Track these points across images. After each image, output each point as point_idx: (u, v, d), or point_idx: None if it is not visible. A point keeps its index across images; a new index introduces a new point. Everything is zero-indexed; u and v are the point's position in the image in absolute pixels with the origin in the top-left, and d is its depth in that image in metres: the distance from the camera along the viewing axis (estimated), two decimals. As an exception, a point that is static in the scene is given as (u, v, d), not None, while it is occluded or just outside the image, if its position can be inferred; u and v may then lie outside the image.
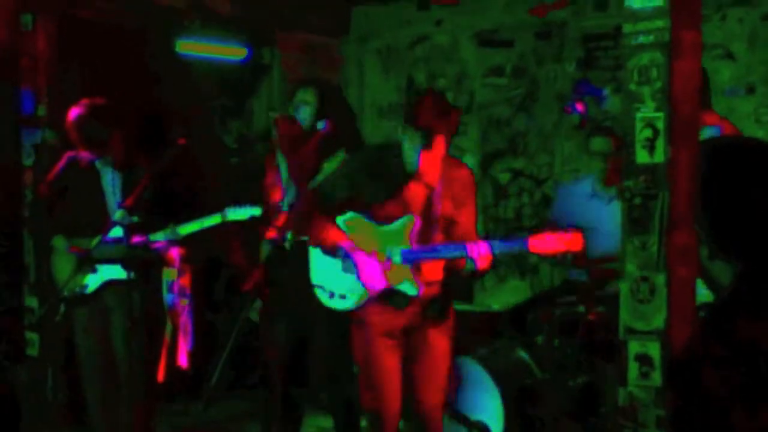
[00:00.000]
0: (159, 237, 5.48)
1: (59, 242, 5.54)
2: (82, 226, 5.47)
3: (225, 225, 5.54)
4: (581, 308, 5.72)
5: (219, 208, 5.56)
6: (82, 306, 5.58)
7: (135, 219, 5.23)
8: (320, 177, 5.25)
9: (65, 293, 5.45)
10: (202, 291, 6.25)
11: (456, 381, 5.45)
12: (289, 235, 5.22)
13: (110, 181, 5.59)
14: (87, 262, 5.34)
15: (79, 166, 5.61)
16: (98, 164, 5.60)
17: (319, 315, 5.15)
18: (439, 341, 4.78)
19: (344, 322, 4.84)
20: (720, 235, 2.29)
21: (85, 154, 5.60)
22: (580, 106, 7.22)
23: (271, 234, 5.02)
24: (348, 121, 5.49)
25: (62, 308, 5.52)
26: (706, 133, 4.51)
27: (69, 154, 5.67)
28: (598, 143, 6.20)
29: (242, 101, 8.45)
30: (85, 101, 5.54)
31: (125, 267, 5.25)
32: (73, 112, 5.52)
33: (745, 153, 2.33)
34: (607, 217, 5.98)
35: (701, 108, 4.48)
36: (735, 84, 6.54)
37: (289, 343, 5.50)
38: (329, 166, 5.27)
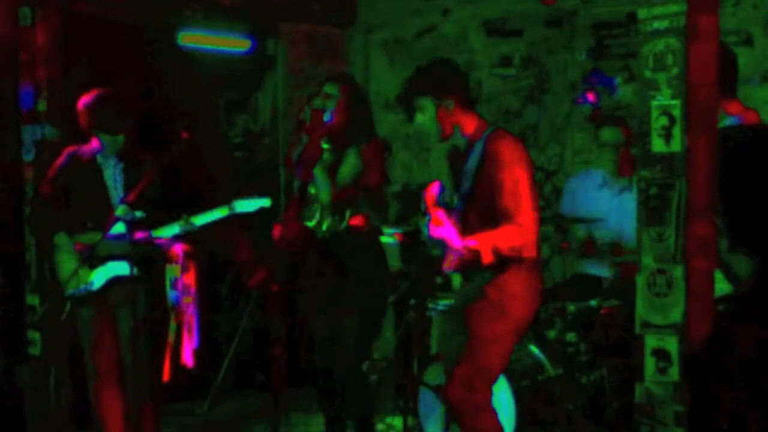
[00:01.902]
0: (172, 230, 5.39)
1: (62, 239, 5.46)
2: (86, 222, 5.39)
3: (231, 221, 5.46)
4: (594, 302, 5.65)
5: (225, 202, 5.48)
6: (88, 304, 5.49)
7: (138, 214, 5.15)
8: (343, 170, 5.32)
9: (69, 291, 5.37)
10: (208, 289, 6.18)
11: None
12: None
13: (112, 176, 5.52)
14: (90, 259, 5.26)
15: (80, 161, 5.55)
16: (99, 159, 5.53)
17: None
18: None
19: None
20: (744, 227, 2.22)
21: (86, 148, 5.52)
22: (591, 96, 7.16)
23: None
24: (365, 116, 5.47)
25: (68, 307, 5.44)
26: (727, 123, 4.42)
27: (69, 149, 5.61)
28: (608, 134, 6.18)
29: (247, 94, 8.39)
30: (99, 89, 5.50)
31: (129, 263, 5.16)
32: (89, 96, 5.48)
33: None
34: (617, 208, 5.96)
35: (725, 96, 4.40)
36: (751, 71, 6.44)
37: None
38: (346, 165, 5.31)
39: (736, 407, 2.06)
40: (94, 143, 5.54)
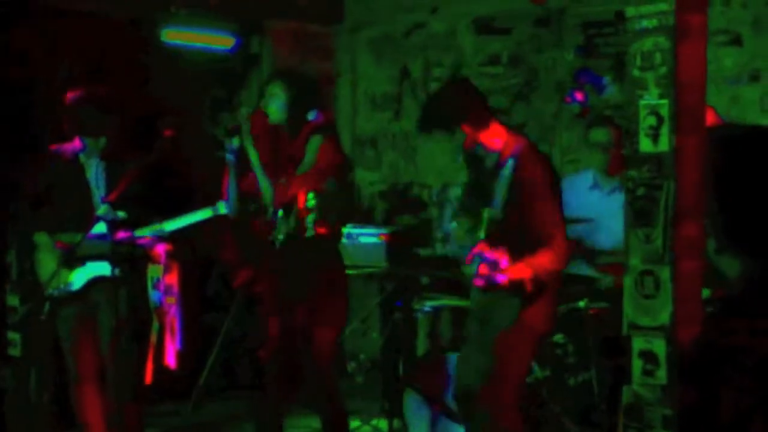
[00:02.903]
0: (145, 233, 5.36)
1: (42, 238, 5.40)
2: (67, 222, 5.33)
3: (217, 221, 5.41)
4: (582, 303, 5.60)
5: (209, 202, 5.43)
6: (68, 304, 5.44)
7: (120, 214, 5.10)
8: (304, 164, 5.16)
9: (50, 291, 5.31)
10: (194, 289, 6.13)
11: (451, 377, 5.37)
12: (278, 231, 5.13)
13: (95, 175, 5.46)
14: (71, 259, 5.20)
15: (63, 160, 5.47)
16: (82, 157, 5.46)
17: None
18: None
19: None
20: (735, 229, 2.18)
21: (68, 147, 5.46)
22: (580, 96, 7.13)
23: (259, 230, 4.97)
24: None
25: (47, 307, 5.38)
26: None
27: (52, 147, 5.54)
28: (598, 134, 6.12)
29: (231, 93, 8.34)
30: (84, 87, 5.43)
31: (111, 263, 5.10)
32: (70, 97, 5.40)
33: (762, 143, 2.21)
34: (607, 209, 5.91)
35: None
36: (739, 71, 6.41)
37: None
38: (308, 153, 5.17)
39: (732, 408, 2.02)
40: (77, 142, 5.47)
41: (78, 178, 5.46)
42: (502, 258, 4.38)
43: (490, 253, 4.39)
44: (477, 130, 4.68)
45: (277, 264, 5.18)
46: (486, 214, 4.69)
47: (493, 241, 4.53)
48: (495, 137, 4.71)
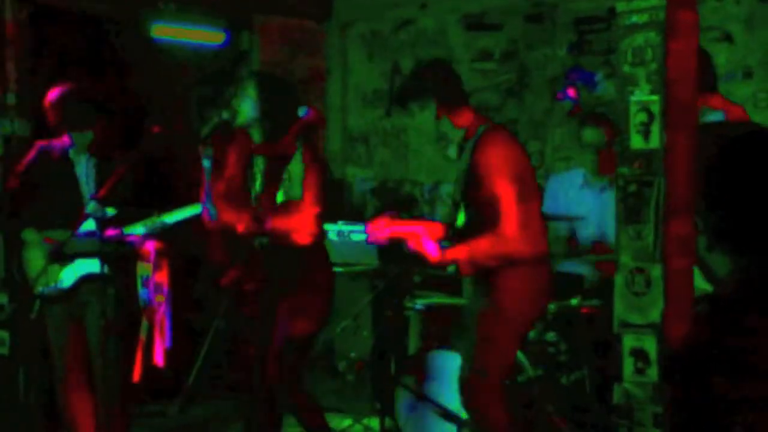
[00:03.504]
0: (143, 227, 5.32)
1: (30, 235, 5.36)
2: (56, 219, 5.29)
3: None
4: (574, 301, 5.59)
5: (197, 199, 5.38)
6: (57, 302, 5.40)
7: (109, 211, 5.06)
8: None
9: (39, 288, 5.27)
10: (181, 288, 6.09)
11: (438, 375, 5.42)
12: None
13: (84, 172, 5.42)
14: (60, 256, 5.16)
15: (51, 157, 5.43)
16: (71, 153, 5.42)
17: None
18: None
19: None
20: (727, 227, 2.16)
21: (57, 143, 5.43)
22: (572, 92, 7.12)
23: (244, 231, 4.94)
24: (290, 114, 5.26)
25: (37, 305, 5.34)
26: (709, 117, 4.37)
27: (40, 143, 5.50)
28: (590, 134, 6.13)
29: (220, 89, 8.30)
30: (69, 82, 5.38)
31: (100, 261, 5.06)
32: (56, 92, 5.35)
33: (758, 141, 2.19)
34: (598, 206, 5.91)
35: (706, 91, 4.36)
36: (732, 68, 6.40)
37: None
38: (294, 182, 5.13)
39: (721, 406, 2.01)
40: (65, 138, 5.44)
41: (67, 175, 5.42)
42: (429, 248, 4.48)
43: (415, 245, 4.51)
44: (446, 107, 4.66)
45: (261, 264, 5.14)
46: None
47: (465, 224, 4.62)
48: (463, 118, 4.69)
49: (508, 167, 4.53)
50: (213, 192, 5.18)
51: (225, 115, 5.15)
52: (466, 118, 4.69)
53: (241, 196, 5.22)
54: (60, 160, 5.43)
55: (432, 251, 4.47)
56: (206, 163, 5.16)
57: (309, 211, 5.00)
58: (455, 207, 4.74)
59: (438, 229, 4.71)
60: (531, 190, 4.61)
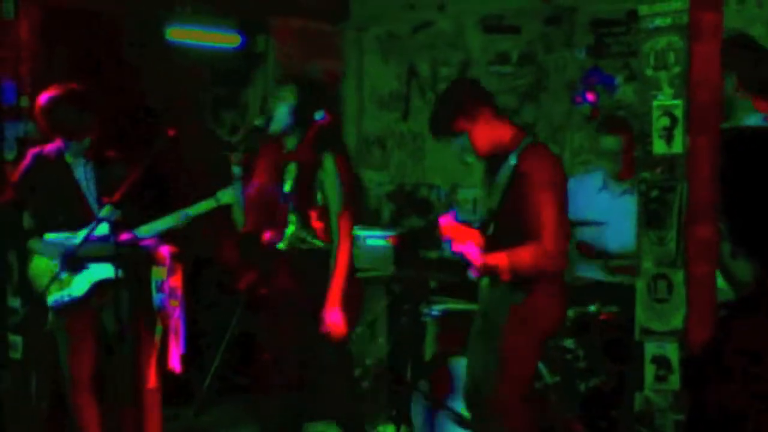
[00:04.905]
0: (167, 223, 5.31)
1: (36, 244, 5.30)
2: (59, 225, 5.22)
3: (216, 221, 5.33)
4: (592, 307, 5.54)
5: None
6: (70, 311, 5.34)
7: (121, 214, 5.02)
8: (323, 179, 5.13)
9: (52, 299, 5.23)
10: (192, 291, 6.07)
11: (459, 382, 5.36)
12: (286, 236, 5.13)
13: (83, 175, 5.34)
14: (72, 263, 5.11)
15: (47, 162, 5.35)
16: (68, 157, 5.34)
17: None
18: None
19: None
20: (749, 233, 2.12)
21: (51, 148, 5.35)
22: (590, 96, 7.09)
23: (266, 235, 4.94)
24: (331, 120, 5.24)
25: (51, 318, 5.30)
26: (752, 120, 4.33)
27: (33, 150, 5.44)
28: (609, 142, 6.10)
29: (236, 91, 8.29)
30: (57, 85, 5.30)
31: (114, 266, 5.02)
32: (44, 97, 5.27)
33: None
34: (618, 210, 5.87)
35: (755, 93, 4.32)
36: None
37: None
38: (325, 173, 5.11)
39: (742, 412, 1.98)
40: (59, 142, 5.35)
41: (66, 180, 5.35)
42: (472, 250, 4.46)
43: (459, 247, 4.48)
44: (489, 122, 4.67)
45: (285, 269, 5.14)
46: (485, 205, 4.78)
47: (492, 232, 4.61)
48: (504, 132, 4.69)
49: (555, 182, 4.61)
50: (244, 199, 5.18)
51: (258, 122, 5.13)
52: (505, 131, 4.69)
53: (271, 204, 5.21)
54: (58, 164, 5.36)
55: (476, 256, 4.47)
56: (236, 170, 5.15)
57: (349, 221, 5.05)
58: (491, 215, 4.72)
59: (477, 236, 4.67)
60: (566, 202, 4.66)
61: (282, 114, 5.16)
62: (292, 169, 5.23)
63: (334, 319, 5.02)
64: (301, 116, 5.11)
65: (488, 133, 4.66)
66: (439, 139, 4.89)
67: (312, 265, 5.16)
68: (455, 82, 5.06)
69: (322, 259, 5.12)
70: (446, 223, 4.58)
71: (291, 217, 5.17)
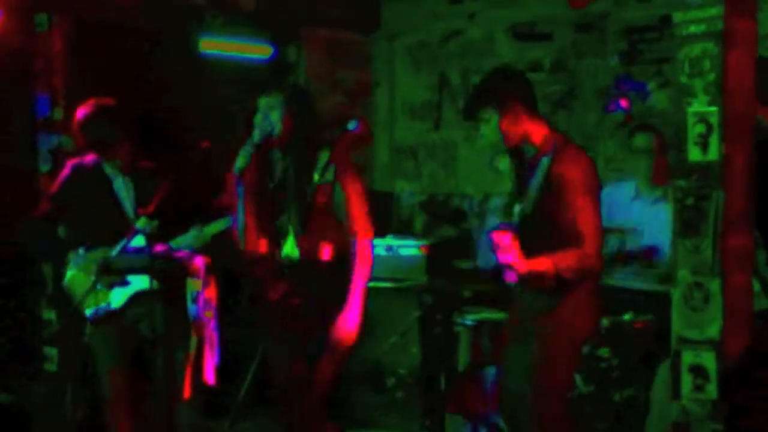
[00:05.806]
0: (185, 240, 5.30)
1: (73, 256, 5.32)
2: (99, 237, 5.24)
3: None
4: (627, 317, 5.51)
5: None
6: (106, 324, 5.34)
7: (155, 226, 5.02)
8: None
9: (89, 312, 5.24)
10: (224, 302, 6.06)
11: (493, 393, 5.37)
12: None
13: (122, 186, 5.38)
14: (107, 272, 5.12)
15: (86, 173, 5.39)
16: (107, 169, 5.37)
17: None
18: None
19: None
20: None
21: (90, 159, 5.38)
22: (623, 103, 7.05)
23: None
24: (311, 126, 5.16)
25: (88, 328, 5.31)
26: None
27: (72, 161, 5.47)
28: (640, 140, 6.11)
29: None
30: (92, 101, 5.33)
31: (149, 277, 5.03)
32: (80, 113, 5.31)
33: None
34: (651, 218, 5.85)
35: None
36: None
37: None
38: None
39: None
40: (97, 154, 5.39)
41: (106, 191, 5.37)
42: (517, 259, 4.41)
43: (505, 258, 4.43)
44: (527, 115, 4.62)
45: (302, 282, 5.09)
46: (516, 208, 4.72)
47: (523, 235, 4.53)
48: (539, 130, 4.64)
49: (592, 184, 4.56)
50: (244, 214, 5.12)
51: (255, 137, 5.07)
52: (539, 131, 4.65)
53: (269, 218, 5.15)
54: (95, 175, 5.38)
55: (520, 263, 4.42)
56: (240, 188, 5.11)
57: (366, 236, 4.98)
58: (525, 219, 4.68)
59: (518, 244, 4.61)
60: (600, 205, 4.63)
61: (274, 121, 5.08)
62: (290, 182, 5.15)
63: (350, 328, 4.91)
64: (298, 128, 5.04)
65: (516, 125, 4.60)
66: (468, 120, 4.82)
67: (314, 277, 5.09)
68: (496, 69, 4.97)
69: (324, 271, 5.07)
70: (499, 236, 4.51)
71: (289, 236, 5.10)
